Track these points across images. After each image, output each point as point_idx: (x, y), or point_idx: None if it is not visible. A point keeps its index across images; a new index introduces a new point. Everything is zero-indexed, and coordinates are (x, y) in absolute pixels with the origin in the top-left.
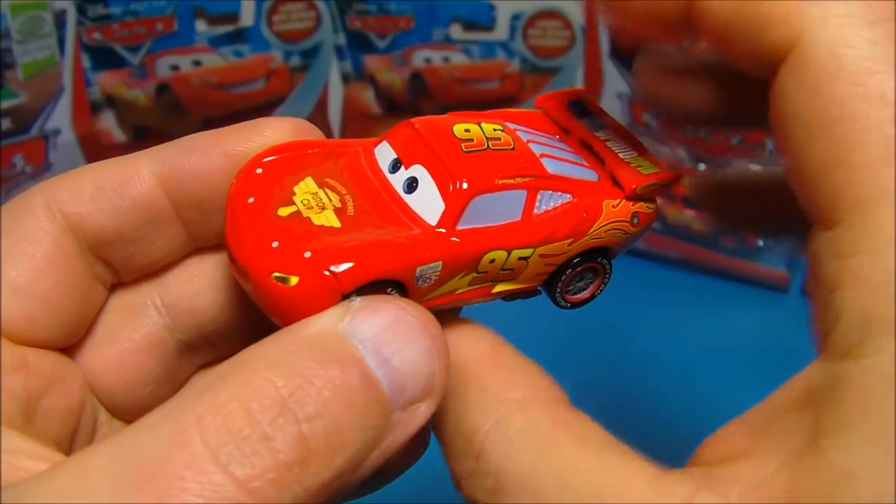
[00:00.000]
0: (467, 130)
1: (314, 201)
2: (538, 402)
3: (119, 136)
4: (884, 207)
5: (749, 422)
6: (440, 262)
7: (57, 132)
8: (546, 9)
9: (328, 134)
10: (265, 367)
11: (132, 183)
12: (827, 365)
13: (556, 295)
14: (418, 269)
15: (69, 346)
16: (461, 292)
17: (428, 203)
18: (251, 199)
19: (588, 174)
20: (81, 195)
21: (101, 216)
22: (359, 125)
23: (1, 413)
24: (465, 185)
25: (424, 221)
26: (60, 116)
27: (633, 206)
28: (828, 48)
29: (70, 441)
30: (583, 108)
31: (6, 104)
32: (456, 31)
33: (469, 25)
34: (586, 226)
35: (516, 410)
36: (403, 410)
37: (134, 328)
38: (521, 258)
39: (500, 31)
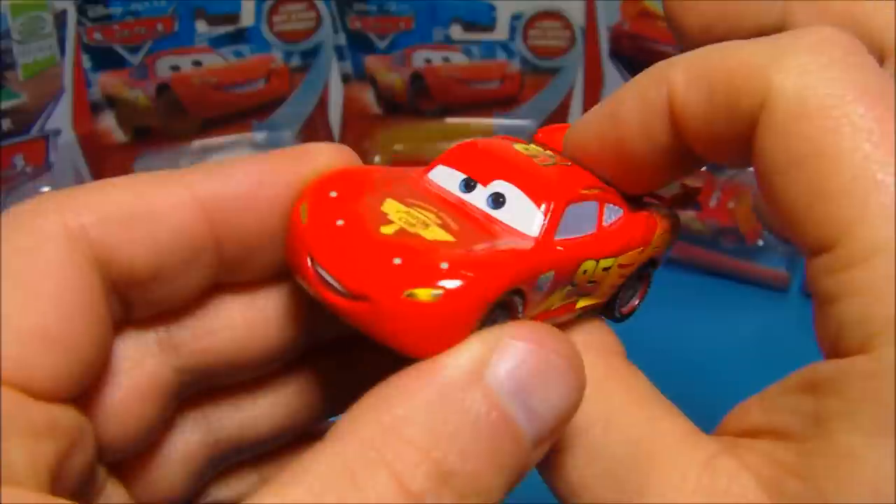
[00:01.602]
0: (526, 149)
1: (412, 219)
2: (595, 349)
3: (119, 136)
4: (866, 222)
5: (764, 399)
6: (553, 272)
7: (57, 132)
8: (546, 9)
9: (328, 134)
10: (418, 438)
11: (174, 211)
12: (833, 362)
13: (616, 307)
14: (540, 278)
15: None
16: (555, 308)
17: (522, 215)
18: (341, 222)
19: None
20: (111, 221)
21: (135, 249)
22: (359, 125)
23: (37, 481)
24: (560, 196)
25: (524, 233)
26: (61, 117)
27: (669, 215)
28: (791, 94)
29: (78, 494)
30: None
31: (6, 104)
32: (456, 32)
33: (469, 25)
34: (651, 234)
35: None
36: (537, 449)
37: (139, 372)
38: (605, 268)
39: (500, 32)
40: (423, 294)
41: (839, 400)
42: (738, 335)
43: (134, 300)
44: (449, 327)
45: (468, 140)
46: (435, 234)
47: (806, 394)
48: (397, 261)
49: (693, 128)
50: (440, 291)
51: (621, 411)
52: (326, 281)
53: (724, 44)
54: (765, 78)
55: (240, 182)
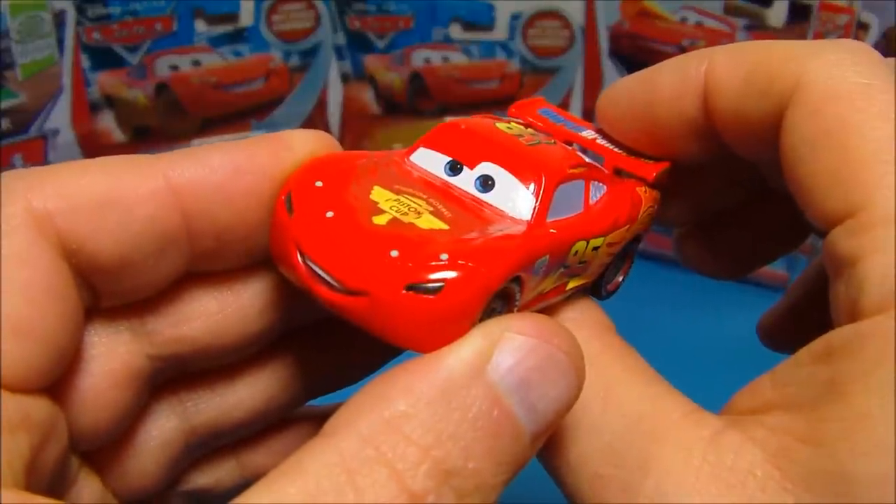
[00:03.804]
0: (509, 128)
1: (403, 207)
2: (588, 326)
3: (118, 136)
4: (887, 188)
5: (775, 375)
6: (547, 256)
7: (56, 132)
8: (546, 9)
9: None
10: (419, 436)
11: (147, 201)
12: (851, 325)
13: (603, 285)
14: (536, 263)
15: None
16: (547, 292)
17: (512, 198)
18: (330, 214)
19: (602, 167)
20: (81, 209)
21: (105, 240)
22: (358, 125)
23: (12, 476)
24: (549, 176)
25: (516, 217)
26: (59, 116)
27: (652, 192)
28: (824, 79)
29: (51, 486)
30: (554, 114)
31: (5, 104)
32: (455, 31)
33: (469, 25)
34: (637, 211)
35: (569, 328)
36: (534, 443)
37: (111, 359)
38: (594, 248)
39: (500, 31)
40: (424, 287)
41: (855, 363)
42: (738, 335)
43: (103, 289)
44: (451, 320)
45: (449, 121)
46: (429, 222)
47: (820, 363)
48: (394, 253)
49: (723, 104)
50: (441, 284)
51: (619, 386)
52: (319, 276)
53: (766, 41)
54: (801, 64)
55: (215, 170)
